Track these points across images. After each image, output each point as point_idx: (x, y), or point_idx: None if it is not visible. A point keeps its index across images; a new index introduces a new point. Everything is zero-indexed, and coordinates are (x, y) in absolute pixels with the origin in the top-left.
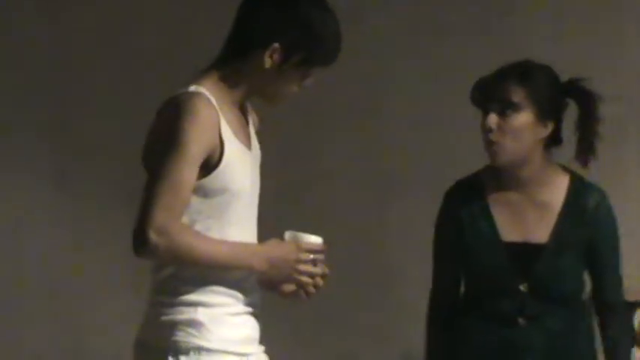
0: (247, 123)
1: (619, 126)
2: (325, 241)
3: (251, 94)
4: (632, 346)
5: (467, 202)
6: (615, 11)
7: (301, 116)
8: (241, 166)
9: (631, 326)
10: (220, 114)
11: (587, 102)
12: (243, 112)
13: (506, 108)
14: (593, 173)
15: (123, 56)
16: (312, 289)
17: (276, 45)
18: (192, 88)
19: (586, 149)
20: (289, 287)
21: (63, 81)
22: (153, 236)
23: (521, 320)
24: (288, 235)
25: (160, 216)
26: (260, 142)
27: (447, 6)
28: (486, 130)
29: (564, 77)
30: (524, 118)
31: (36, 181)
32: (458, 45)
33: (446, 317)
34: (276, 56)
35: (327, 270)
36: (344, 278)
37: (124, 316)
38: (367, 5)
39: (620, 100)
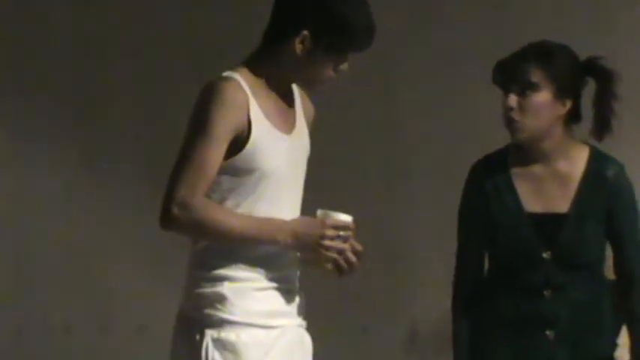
0: (290, 110)
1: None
2: None
3: (288, 80)
4: None
5: (491, 176)
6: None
7: (318, 107)
8: (272, 148)
9: None
10: (253, 98)
11: (606, 80)
12: (287, 99)
13: (525, 88)
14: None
15: (148, 46)
16: (343, 264)
17: (306, 32)
18: (226, 73)
19: (602, 125)
20: (328, 266)
21: (91, 72)
22: (175, 210)
23: (546, 292)
24: (319, 212)
25: (182, 192)
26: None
27: None
28: (507, 109)
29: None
30: (542, 97)
31: (69, 164)
32: (462, 33)
33: (471, 293)
34: (306, 43)
35: (359, 246)
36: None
37: (147, 290)
38: None
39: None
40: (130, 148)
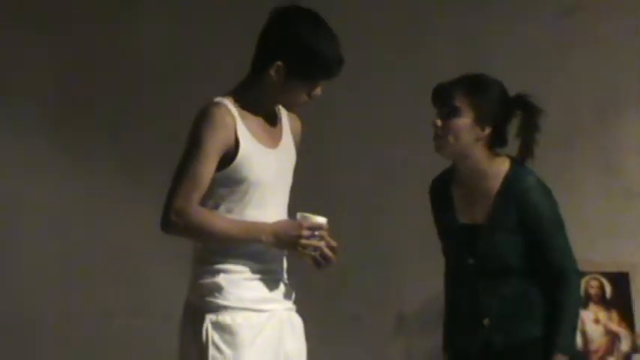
0: (276, 127)
1: (567, 133)
2: (334, 222)
3: (270, 103)
4: (576, 313)
5: (439, 190)
6: (564, 36)
7: (312, 116)
8: (258, 161)
9: (572, 293)
10: (240, 119)
11: (530, 114)
12: (273, 118)
13: (449, 111)
14: (550, 170)
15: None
16: (319, 259)
17: (279, 63)
18: (217, 99)
19: (525, 152)
20: (308, 260)
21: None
22: (173, 217)
23: (479, 289)
24: (298, 215)
25: (178, 201)
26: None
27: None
28: (434, 127)
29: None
30: (462, 121)
31: (109, 172)
32: (445, 61)
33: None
34: (280, 72)
35: (333, 242)
36: (350, 252)
37: (175, 281)
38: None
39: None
40: (160, 157)
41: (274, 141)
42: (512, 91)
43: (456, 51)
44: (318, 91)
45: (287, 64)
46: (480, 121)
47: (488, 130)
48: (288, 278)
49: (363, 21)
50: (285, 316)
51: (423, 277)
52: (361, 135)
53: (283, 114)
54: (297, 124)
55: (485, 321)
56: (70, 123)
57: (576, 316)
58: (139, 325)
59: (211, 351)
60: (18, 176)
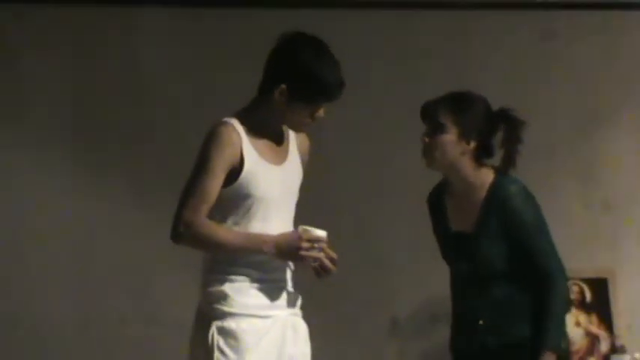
0: (282, 146)
1: (547, 146)
2: (330, 231)
3: (275, 124)
4: (563, 313)
5: (436, 200)
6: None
7: (313, 131)
8: (263, 177)
9: (559, 294)
10: (246, 137)
11: (513, 127)
12: (280, 137)
13: (435, 127)
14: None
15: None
16: (319, 270)
17: (283, 86)
18: (225, 119)
19: (508, 162)
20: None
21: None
22: (181, 228)
23: (473, 292)
24: (300, 228)
25: (186, 214)
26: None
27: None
28: (422, 142)
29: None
30: (447, 137)
31: (117, 185)
32: (433, 85)
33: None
34: (283, 95)
35: (333, 254)
36: (346, 260)
37: (185, 289)
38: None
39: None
40: (171, 174)
41: (280, 158)
42: (497, 107)
43: (442, 71)
44: (320, 112)
45: (290, 87)
46: (464, 136)
47: (473, 144)
48: (295, 286)
49: (353, 43)
50: (288, 321)
51: (414, 283)
52: (355, 144)
53: (291, 133)
54: (305, 142)
55: (480, 322)
56: (86, 141)
57: (564, 315)
58: (152, 333)
59: (216, 354)
60: (40, 192)
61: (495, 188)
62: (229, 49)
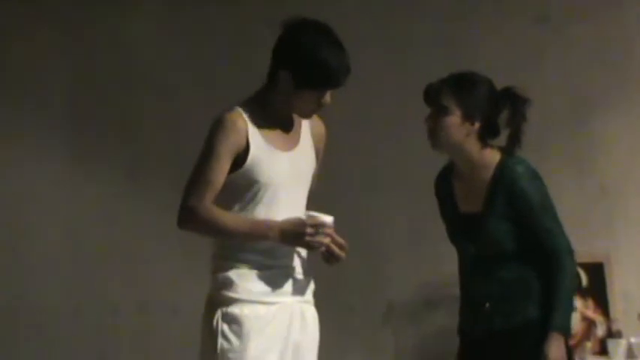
0: (293, 132)
1: (542, 133)
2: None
3: (282, 110)
4: (572, 292)
5: (442, 182)
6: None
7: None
8: (269, 164)
9: (566, 273)
10: (252, 124)
11: (517, 105)
12: (291, 123)
13: (439, 109)
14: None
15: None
16: (328, 256)
17: (287, 71)
18: (231, 107)
19: (513, 142)
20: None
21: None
22: (186, 215)
23: (479, 274)
24: (305, 214)
25: (191, 200)
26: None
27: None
28: (427, 124)
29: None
30: (451, 119)
31: (111, 174)
32: (428, 59)
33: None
34: (288, 81)
35: (341, 240)
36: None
37: (178, 276)
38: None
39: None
40: (164, 164)
41: (290, 145)
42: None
43: (439, 57)
44: (327, 99)
45: (293, 72)
46: (468, 117)
47: (478, 125)
48: (306, 273)
49: (351, 29)
50: (296, 309)
51: (408, 271)
52: (350, 132)
53: (305, 120)
54: (320, 129)
55: (486, 305)
56: (81, 132)
57: (572, 295)
58: (144, 320)
59: (220, 340)
60: (34, 182)
61: (502, 168)
62: (224, 38)
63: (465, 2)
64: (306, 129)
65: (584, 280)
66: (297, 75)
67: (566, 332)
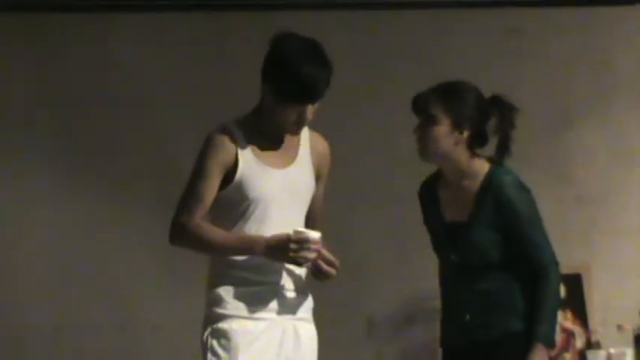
0: (289, 149)
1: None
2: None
3: (271, 125)
4: (556, 305)
5: (427, 191)
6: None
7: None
8: (259, 180)
9: (551, 286)
10: (244, 141)
11: (506, 113)
12: (286, 140)
13: (427, 119)
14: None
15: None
16: (316, 272)
17: (269, 85)
18: (223, 124)
19: (503, 149)
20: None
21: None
22: (176, 231)
23: (460, 284)
24: (292, 231)
25: (181, 216)
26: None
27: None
28: (415, 134)
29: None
30: (440, 128)
31: (93, 193)
32: (406, 73)
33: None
34: (270, 93)
35: (330, 257)
36: None
37: (159, 294)
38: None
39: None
40: (143, 183)
41: (284, 162)
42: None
43: (418, 71)
44: (306, 113)
45: (274, 85)
46: (456, 125)
47: (466, 133)
48: (301, 290)
49: (329, 44)
50: (288, 326)
51: (390, 286)
52: (335, 149)
53: (304, 136)
54: (323, 149)
55: (467, 316)
56: (63, 152)
57: (556, 307)
58: (127, 337)
59: (209, 355)
60: (17, 201)
61: (490, 178)
62: (209, 54)
63: (441, 16)
64: (306, 147)
65: (563, 291)
66: (277, 88)
67: (550, 344)
